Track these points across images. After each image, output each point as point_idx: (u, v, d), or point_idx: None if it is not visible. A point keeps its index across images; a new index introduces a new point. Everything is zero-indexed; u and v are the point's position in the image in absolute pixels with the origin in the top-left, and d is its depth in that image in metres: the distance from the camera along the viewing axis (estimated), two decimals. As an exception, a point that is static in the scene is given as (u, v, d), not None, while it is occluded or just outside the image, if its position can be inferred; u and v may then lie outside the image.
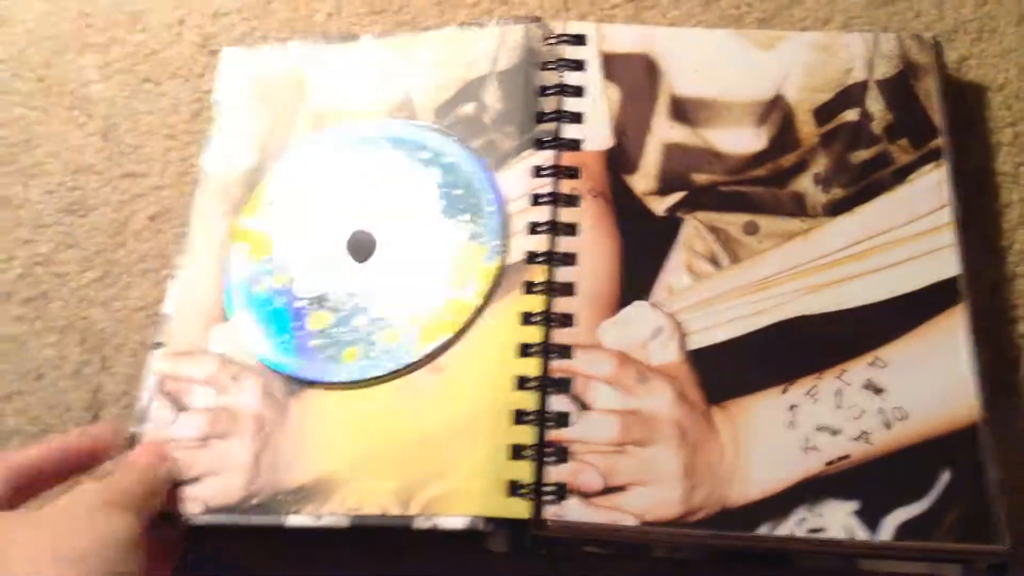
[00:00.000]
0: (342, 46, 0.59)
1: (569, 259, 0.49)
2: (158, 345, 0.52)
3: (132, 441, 0.49)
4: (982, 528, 0.41)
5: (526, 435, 0.45)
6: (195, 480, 0.47)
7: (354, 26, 0.63)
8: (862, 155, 0.49)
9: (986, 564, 0.42)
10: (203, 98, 0.63)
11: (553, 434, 0.45)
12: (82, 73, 0.65)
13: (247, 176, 0.56)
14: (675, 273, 0.48)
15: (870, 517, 0.41)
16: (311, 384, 0.49)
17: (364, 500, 0.45)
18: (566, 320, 0.47)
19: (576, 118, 0.52)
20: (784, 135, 0.51)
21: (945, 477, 0.42)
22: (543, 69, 0.54)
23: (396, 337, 0.49)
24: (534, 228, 0.50)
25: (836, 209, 0.48)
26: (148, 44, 0.65)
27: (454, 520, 0.44)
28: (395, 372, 0.48)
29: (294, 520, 0.45)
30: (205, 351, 0.51)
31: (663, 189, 0.50)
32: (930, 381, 0.44)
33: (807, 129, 0.51)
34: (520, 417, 0.45)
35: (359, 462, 0.46)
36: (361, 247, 0.52)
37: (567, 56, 0.54)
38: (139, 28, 0.66)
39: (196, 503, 0.47)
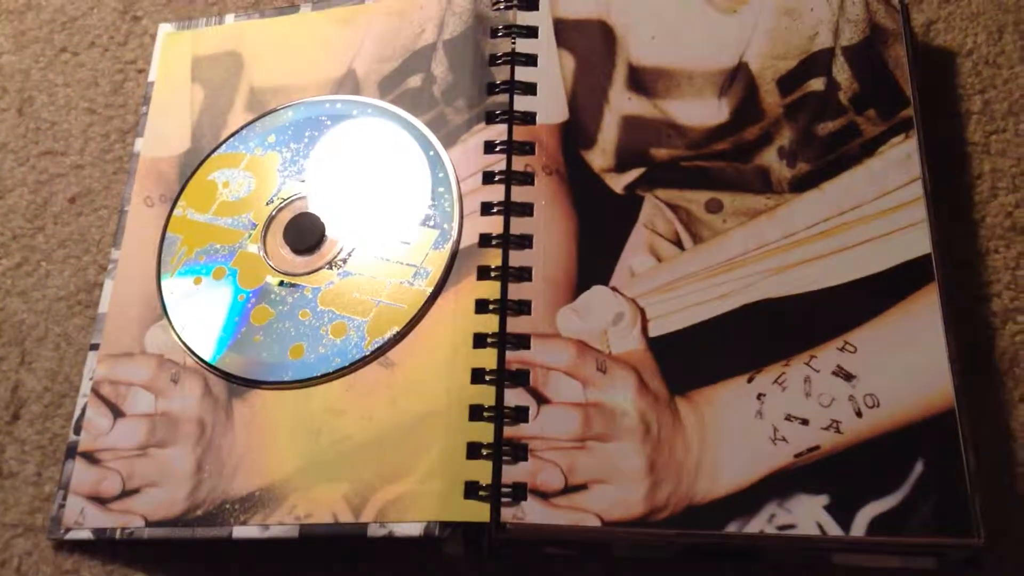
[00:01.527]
0: (280, 19, 0.55)
1: (524, 241, 0.46)
2: (94, 347, 0.48)
3: (69, 452, 0.46)
4: (957, 521, 0.39)
5: (483, 432, 0.43)
6: (134, 492, 0.45)
7: (288, -11, 0.59)
8: (829, 127, 0.47)
9: (960, 557, 0.41)
10: (125, 69, 0.58)
11: (511, 430, 0.43)
12: (-7, 43, 0.60)
13: (183, 161, 0.52)
14: (636, 255, 0.46)
15: (842, 511, 0.40)
16: (255, 384, 0.46)
17: (314, 507, 0.43)
18: (522, 307, 0.45)
19: (529, 89, 0.49)
20: (747, 106, 0.48)
21: (918, 468, 0.40)
22: (493, 36, 0.51)
23: (344, 331, 0.46)
24: (487, 208, 0.47)
25: (802, 185, 0.46)
26: (65, 11, 0.61)
27: (410, 527, 0.41)
28: (343, 369, 0.45)
29: (241, 531, 0.43)
30: (143, 352, 0.48)
31: (621, 165, 0.48)
32: (902, 366, 0.42)
33: (771, 99, 0.48)
34: (477, 413, 0.43)
35: (308, 466, 0.44)
36: (306, 234, 0.49)
37: (518, 22, 0.51)
38: (54, -7, 0.61)
39: (136, 517, 0.44)
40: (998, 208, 0.48)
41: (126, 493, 0.45)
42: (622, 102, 0.49)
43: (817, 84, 0.48)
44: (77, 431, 0.47)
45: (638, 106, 0.49)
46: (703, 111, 0.48)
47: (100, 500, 0.45)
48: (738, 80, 0.49)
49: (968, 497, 0.40)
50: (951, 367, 0.42)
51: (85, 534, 0.45)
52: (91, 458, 0.46)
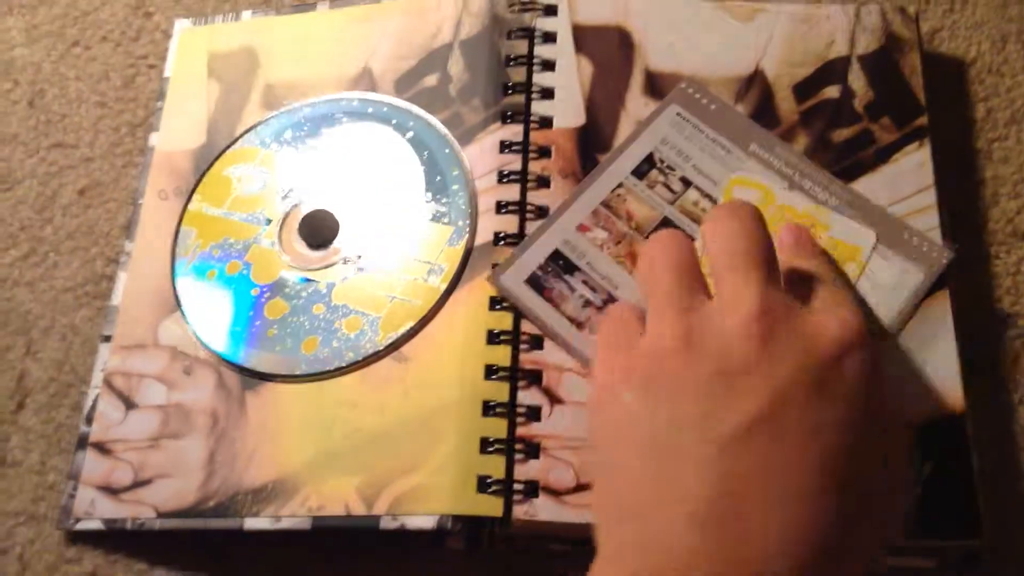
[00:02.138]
0: (297, 16, 0.55)
1: (539, 242, 0.47)
2: (106, 339, 0.48)
3: (81, 443, 0.46)
4: (964, 523, 0.40)
5: (496, 428, 0.43)
6: (146, 483, 0.44)
7: (303, -14, 0.59)
8: (844, 134, 0.48)
9: (959, 556, 0.41)
10: (137, 64, 0.58)
11: (524, 429, 0.43)
12: (7, 36, 0.60)
13: (198, 155, 0.52)
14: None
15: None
16: (268, 377, 0.46)
17: (327, 499, 0.43)
18: (537, 307, 0.45)
19: (547, 94, 0.50)
20: (763, 112, 0.49)
21: (927, 470, 0.41)
22: (509, 38, 0.51)
23: (358, 325, 0.46)
24: (501, 207, 0.47)
25: (816, 191, 0.47)
26: (78, 5, 0.61)
27: (423, 519, 0.41)
28: (357, 363, 0.45)
29: (252, 523, 0.43)
30: (156, 344, 0.48)
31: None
32: (915, 369, 0.43)
33: (787, 106, 0.49)
34: (489, 409, 0.43)
35: (321, 459, 0.44)
36: (321, 229, 0.49)
37: (538, 28, 0.51)
38: (68, -14, 0.61)
39: (147, 508, 0.44)
40: (999, 214, 0.49)
41: (138, 484, 0.45)
42: (639, 107, 0.49)
43: (833, 91, 0.49)
44: (88, 422, 0.47)
45: (654, 111, 0.49)
46: (718, 116, 0.49)
47: (111, 491, 0.45)
48: (754, 87, 0.49)
49: (976, 498, 0.40)
50: (961, 371, 0.42)
51: (96, 524, 0.45)
52: (102, 449, 0.46)
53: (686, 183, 0.45)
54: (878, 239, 0.43)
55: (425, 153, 0.50)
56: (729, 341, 0.34)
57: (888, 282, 0.43)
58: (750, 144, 0.46)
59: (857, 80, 0.49)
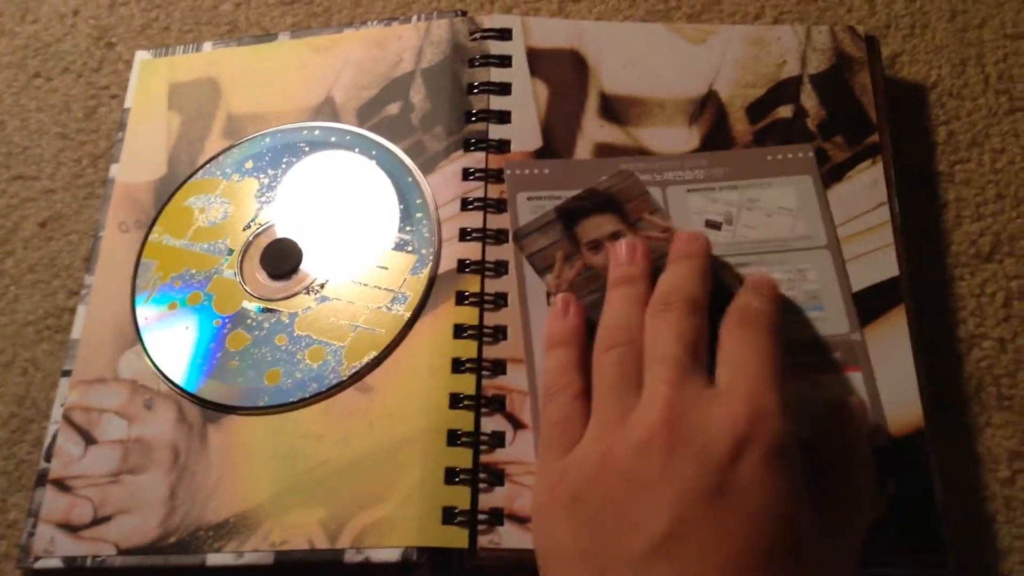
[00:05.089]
0: (258, 47, 0.55)
1: (501, 268, 0.47)
2: (66, 373, 0.48)
3: (40, 479, 0.46)
4: (927, 543, 0.40)
5: (461, 457, 0.43)
6: (107, 519, 0.44)
7: (264, 17, 0.59)
8: (797, 154, 0.48)
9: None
10: (99, 95, 0.58)
11: (488, 456, 0.43)
12: (-35, 68, 0.60)
13: (159, 186, 0.52)
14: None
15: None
16: (230, 410, 0.46)
17: (290, 533, 0.42)
18: (499, 333, 0.45)
19: (503, 117, 0.50)
20: (717, 133, 0.49)
21: (890, 488, 0.41)
22: (470, 66, 0.52)
23: (321, 355, 0.46)
24: (465, 235, 0.48)
25: (773, 210, 0.47)
26: (39, 36, 0.61)
27: (387, 552, 0.41)
28: (321, 394, 0.45)
29: (215, 559, 0.42)
30: (116, 377, 0.47)
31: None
32: (872, 391, 0.43)
33: (740, 127, 0.49)
34: (454, 438, 0.43)
35: (284, 492, 0.43)
36: (284, 259, 0.49)
37: (492, 52, 0.52)
38: (30, 19, 0.61)
39: (108, 545, 0.43)
40: (962, 236, 0.49)
41: (98, 520, 0.44)
42: (594, 129, 0.50)
43: (785, 111, 0.49)
44: (48, 458, 0.46)
45: (610, 133, 0.50)
46: (674, 138, 0.49)
47: (71, 528, 0.44)
48: (708, 108, 0.50)
49: (938, 518, 0.40)
50: (920, 388, 0.43)
51: (55, 563, 0.44)
52: (62, 485, 0.45)
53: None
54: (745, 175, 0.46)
55: (389, 182, 0.50)
56: (636, 456, 0.35)
57: (793, 204, 0.45)
58: (600, 178, 0.48)
59: (809, 99, 0.49)
